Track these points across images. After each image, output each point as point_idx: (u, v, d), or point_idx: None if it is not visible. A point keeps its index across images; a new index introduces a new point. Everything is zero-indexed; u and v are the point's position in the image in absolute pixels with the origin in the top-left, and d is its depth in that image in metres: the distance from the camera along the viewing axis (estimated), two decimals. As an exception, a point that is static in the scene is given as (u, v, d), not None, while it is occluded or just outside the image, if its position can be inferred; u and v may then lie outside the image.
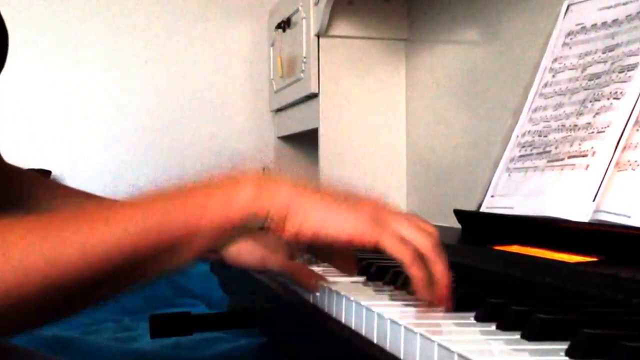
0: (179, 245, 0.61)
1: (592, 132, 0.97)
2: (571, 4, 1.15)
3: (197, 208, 0.62)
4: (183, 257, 0.62)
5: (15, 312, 0.55)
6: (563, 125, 1.04)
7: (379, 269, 0.86)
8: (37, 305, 0.56)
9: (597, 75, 1.03)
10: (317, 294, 0.79)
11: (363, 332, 0.67)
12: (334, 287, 0.77)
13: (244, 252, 0.79)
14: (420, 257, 0.67)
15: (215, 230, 0.62)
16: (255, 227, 0.64)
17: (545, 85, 1.12)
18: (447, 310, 0.66)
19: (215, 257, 0.81)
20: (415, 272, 0.64)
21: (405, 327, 0.59)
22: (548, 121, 1.08)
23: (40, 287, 0.55)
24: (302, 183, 0.66)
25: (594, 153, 0.95)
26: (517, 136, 1.13)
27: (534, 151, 1.07)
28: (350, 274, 0.78)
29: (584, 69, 1.06)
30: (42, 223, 0.58)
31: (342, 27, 1.97)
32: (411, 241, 0.67)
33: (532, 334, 0.55)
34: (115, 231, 0.58)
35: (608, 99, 0.97)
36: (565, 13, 1.15)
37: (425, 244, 0.67)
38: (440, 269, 0.67)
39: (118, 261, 0.58)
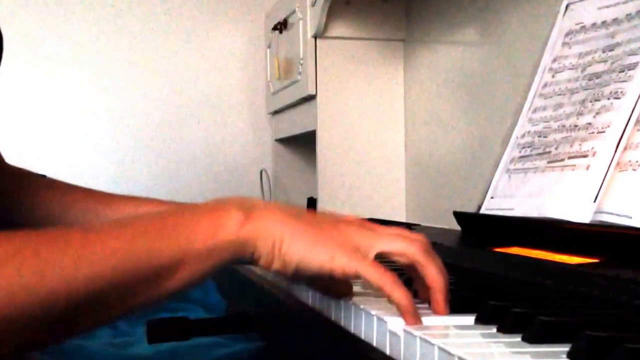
0: (167, 272, 0.61)
1: (593, 132, 0.96)
2: (570, 3, 1.14)
3: (184, 236, 0.62)
4: (172, 285, 0.62)
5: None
6: (563, 126, 1.03)
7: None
8: (25, 324, 0.55)
9: (597, 75, 1.02)
10: (317, 296, 0.79)
11: (362, 335, 0.67)
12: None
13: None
14: (416, 263, 0.66)
15: (202, 258, 0.62)
16: (243, 257, 0.64)
17: (545, 85, 1.12)
18: (445, 314, 0.66)
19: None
20: (397, 298, 0.63)
21: (405, 330, 0.59)
22: (548, 122, 1.07)
23: (27, 305, 0.54)
24: (288, 210, 0.66)
25: (594, 153, 0.94)
26: (517, 137, 1.12)
27: (534, 152, 1.06)
28: (347, 297, 0.76)
29: (583, 69, 1.05)
30: (32, 241, 0.58)
31: (339, 28, 1.96)
32: (397, 252, 0.67)
33: (533, 337, 0.54)
34: (102, 255, 0.58)
35: (608, 98, 0.96)
36: (565, 12, 1.15)
37: (412, 251, 0.67)
38: (431, 272, 0.66)
39: (104, 284, 0.58)
